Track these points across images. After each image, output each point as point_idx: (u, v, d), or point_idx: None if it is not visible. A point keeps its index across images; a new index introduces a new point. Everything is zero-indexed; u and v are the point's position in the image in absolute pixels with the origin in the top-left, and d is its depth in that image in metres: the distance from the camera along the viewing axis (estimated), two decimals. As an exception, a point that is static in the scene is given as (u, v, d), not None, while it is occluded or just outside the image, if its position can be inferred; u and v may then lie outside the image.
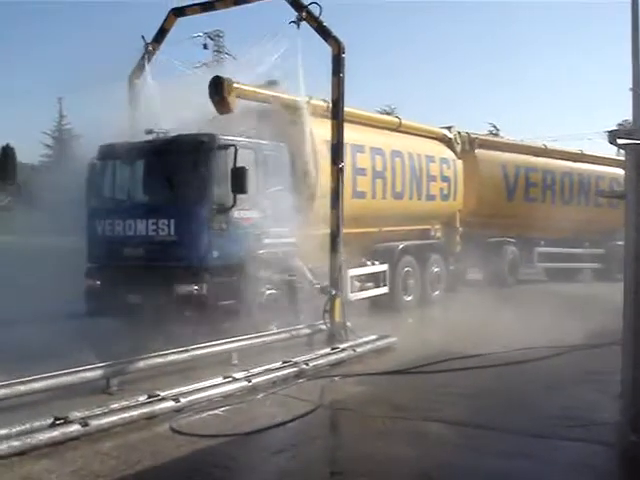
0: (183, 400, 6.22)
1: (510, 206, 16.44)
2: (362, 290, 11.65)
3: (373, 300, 11.93)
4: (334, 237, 9.71)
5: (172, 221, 9.06)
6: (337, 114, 9.91)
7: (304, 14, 9.82)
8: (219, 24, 36.50)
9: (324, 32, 9.84)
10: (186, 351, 7.73)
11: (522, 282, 17.20)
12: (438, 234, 14.27)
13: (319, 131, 10.76)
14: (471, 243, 14.96)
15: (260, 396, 6.76)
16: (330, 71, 9.85)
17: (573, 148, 19.97)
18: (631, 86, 5.23)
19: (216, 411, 6.29)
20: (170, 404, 6.12)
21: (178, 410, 6.13)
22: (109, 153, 9.88)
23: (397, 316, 11.85)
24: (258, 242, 9.57)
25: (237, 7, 11.03)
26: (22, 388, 6.23)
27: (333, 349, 8.56)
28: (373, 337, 9.22)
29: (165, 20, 11.51)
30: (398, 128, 13.55)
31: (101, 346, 8.09)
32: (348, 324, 9.51)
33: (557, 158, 18.33)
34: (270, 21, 13.18)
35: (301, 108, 10.57)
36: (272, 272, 9.79)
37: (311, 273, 10.29)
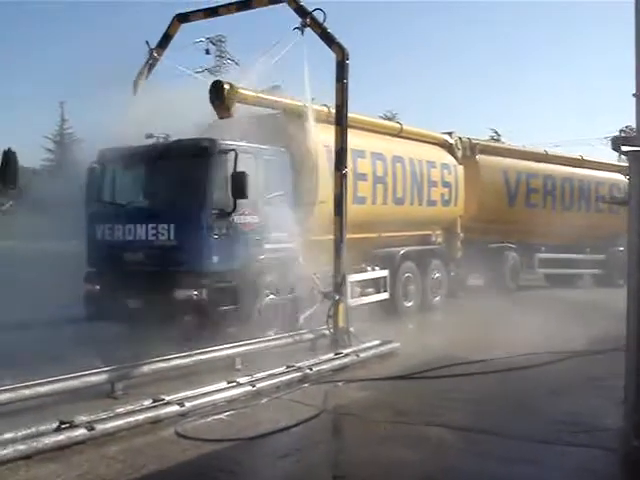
0: (188, 404, 6.25)
1: (511, 212, 16.43)
2: (362, 296, 11.63)
3: (374, 306, 11.89)
4: (338, 243, 9.70)
5: (172, 226, 9.05)
6: (341, 120, 9.92)
7: (308, 20, 9.84)
8: (222, 29, 36.57)
9: (328, 38, 9.86)
10: (190, 356, 7.74)
11: (523, 288, 17.17)
12: (439, 240, 14.24)
13: (320, 136, 10.76)
14: (472, 249, 14.93)
15: (264, 401, 6.77)
16: (332, 76, 9.86)
17: (574, 154, 20.01)
18: (634, 92, 5.24)
19: (221, 415, 6.31)
20: (175, 408, 6.15)
21: (183, 414, 6.16)
22: (109, 157, 9.88)
23: (398, 322, 11.82)
24: (258, 247, 9.56)
25: (240, 13, 11.05)
26: (27, 392, 6.25)
27: (337, 354, 8.58)
28: (376, 342, 9.23)
29: (169, 26, 11.53)
30: (399, 133, 13.55)
31: (101, 351, 8.10)
32: (351, 329, 9.50)
33: (558, 164, 18.33)
34: (273, 27, 13.15)
35: (302, 113, 10.58)
36: (272, 277, 9.77)
37: (312, 278, 10.26)
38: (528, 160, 17.46)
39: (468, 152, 15.40)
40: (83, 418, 5.57)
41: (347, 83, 9.84)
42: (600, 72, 69.57)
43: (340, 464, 5.56)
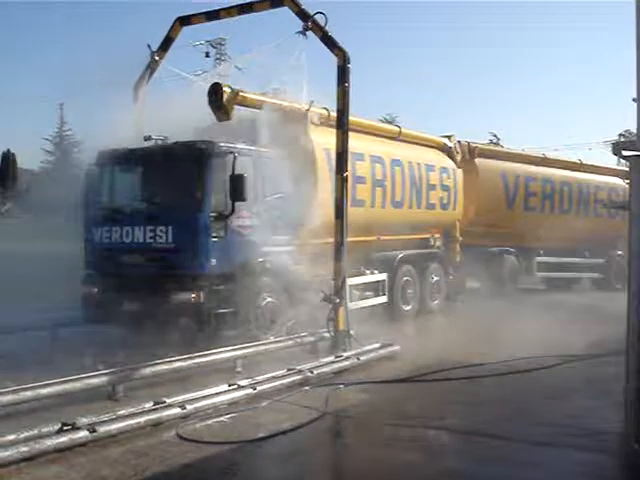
0: (189, 407, 6.27)
1: (510, 215, 16.42)
2: (361, 299, 11.61)
3: (372, 309, 11.88)
4: (338, 246, 9.70)
5: (170, 228, 9.03)
6: (342, 124, 9.92)
7: (310, 24, 9.85)
8: (223, 31, 36.61)
9: (330, 42, 9.86)
10: (191, 358, 7.77)
11: (521, 291, 17.15)
12: (438, 243, 14.23)
13: (319, 139, 10.76)
14: (471, 252, 14.92)
15: (265, 403, 6.77)
16: (331, 79, 9.85)
17: (572, 158, 20.03)
18: (634, 96, 5.24)
19: (222, 418, 6.33)
20: (176, 411, 6.16)
21: (184, 417, 6.17)
22: (107, 159, 9.87)
23: (397, 325, 11.80)
24: (256, 250, 9.54)
25: (242, 16, 11.05)
26: (29, 394, 6.27)
27: (337, 357, 8.60)
28: (376, 345, 9.26)
29: (171, 29, 11.52)
30: (398, 137, 13.54)
31: (98, 355, 8.10)
32: (352, 332, 9.51)
33: (556, 167, 18.34)
34: (273, 29, 13.14)
35: (301, 116, 10.57)
36: (270, 280, 9.75)
37: (311, 282, 10.25)
38: (527, 164, 17.46)
39: (467, 156, 15.40)
40: (85, 420, 5.59)
41: (348, 87, 9.85)
42: (599, 76, 69.86)
43: (342, 466, 5.61)
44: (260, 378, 7.28)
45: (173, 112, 9.93)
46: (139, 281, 9.06)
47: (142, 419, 5.88)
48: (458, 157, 14.92)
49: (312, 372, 7.74)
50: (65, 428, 5.40)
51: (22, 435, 5.21)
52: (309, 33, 9.89)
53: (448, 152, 14.73)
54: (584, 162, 19.55)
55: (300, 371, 7.66)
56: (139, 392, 7.08)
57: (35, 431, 5.30)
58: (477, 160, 15.75)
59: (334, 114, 10.76)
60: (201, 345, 8.36)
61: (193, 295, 8.88)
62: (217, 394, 6.72)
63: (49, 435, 5.31)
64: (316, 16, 9.86)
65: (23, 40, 63.40)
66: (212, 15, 11.24)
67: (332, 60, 9.83)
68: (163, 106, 10.22)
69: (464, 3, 56.52)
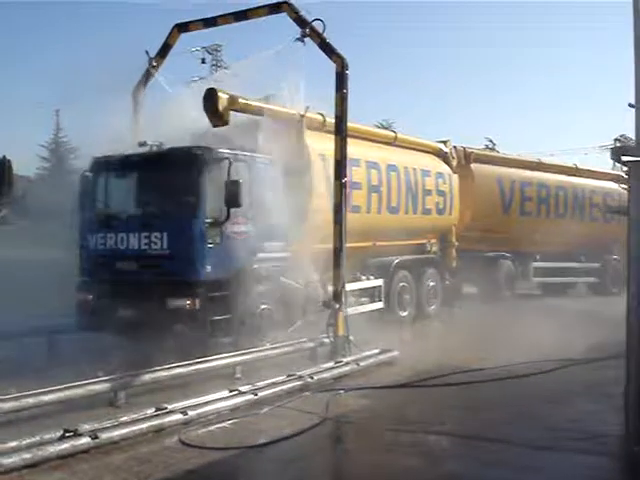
0: (191, 413, 6.28)
1: (506, 220, 16.44)
2: (357, 305, 11.57)
3: (369, 315, 11.84)
4: (337, 251, 9.68)
5: (165, 235, 8.99)
6: (341, 130, 9.93)
7: (308, 30, 9.85)
8: (220, 38, 36.67)
9: (328, 49, 9.88)
10: (191, 364, 7.77)
11: (518, 297, 17.14)
12: (434, 248, 14.22)
13: (314, 145, 10.75)
14: (467, 257, 14.91)
15: (266, 409, 6.79)
16: (329, 83, 9.88)
17: (568, 162, 20.07)
18: (632, 102, 5.26)
19: (224, 424, 6.34)
20: (179, 417, 6.17)
21: (186, 423, 6.17)
22: (101, 165, 9.83)
23: (394, 331, 11.76)
24: (252, 256, 9.50)
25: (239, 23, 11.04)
26: (30, 400, 6.28)
27: (337, 363, 8.63)
28: (376, 351, 9.28)
29: (168, 36, 11.52)
30: (394, 142, 13.55)
31: (93, 362, 8.08)
32: (351, 338, 9.49)
33: (552, 172, 18.38)
34: (269, 35, 13.14)
35: (297, 122, 10.55)
36: (265, 286, 9.71)
37: (307, 287, 10.22)
38: (522, 169, 17.50)
39: (463, 161, 15.43)
40: (87, 427, 5.59)
41: (347, 93, 9.85)
42: (598, 78, 70.12)
43: (344, 471, 5.65)
44: (261, 384, 7.30)
45: (170, 118, 9.90)
46: (134, 288, 9.00)
47: (144, 425, 5.89)
48: (454, 162, 14.94)
49: (312, 378, 7.76)
50: (67, 435, 5.40)
51: (24, 442, 5.22)
52: (307, 39, 9.89)
53: (444, 157, 14.75)
54: (580, 167, 19.61)
55: (300, 377, 7.68)
56: (140, 398, 7.08)
57: (37, 438, 5.31)
58: (473, 165, 15.78)
59: (329, 120, 10.77)
60: (197, 352, 8.32)
61: (188, 302, 8.83)
62: (218, 400, 6.73)
63: (51, 442, 5.31)
64: (314, 23, 9.87)
65: (18, 45, 63.30)
66: (210, 22, 11.23)
67: (330, 65, 9.86)
68: (160, 112, 10.19)
69: (464, 3, 56.66)
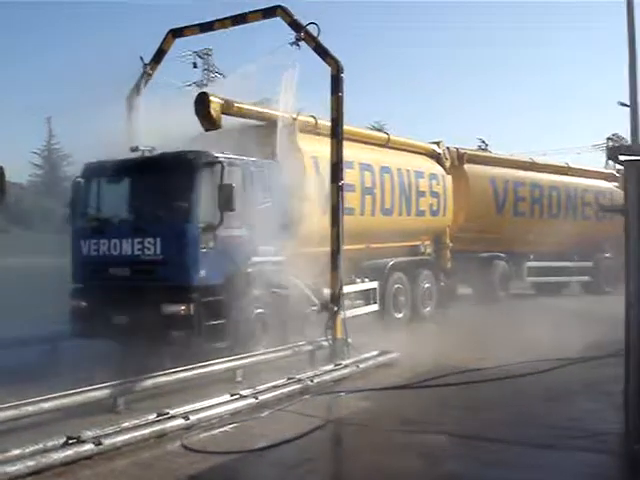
0: (193, 417, 6.26)
1: (499, 221, 16.47)
2: (352, 308, 11.52)
3: (364, 318, 11.82)
4: (334, 254, 9.64)
5: (158, 240, 8.92)
6: (337, 133, 9.91)
7: (303, 34, 9.83)
8: (212, 42, 36.68)
9: (322, 52, 9.86)
10: (191, 369, 7.75)
11: (512, 296, 17.16)
12: (428, 250, 14.21)
13: (307, 147, 10.72)
14: (461, 258, 14.93)
15: (267, 413, 6.78)
16: (323, 85, 9.90)
17: (560, 162, 20.14)
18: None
19: (226, 428, 6.34)
20: (180, 422, 6.16)
21: (187, 428, 6.16)
22: (94, 171, 9.77)
23: (390, 333, 11.73)
24: (246, 260, 9.45)
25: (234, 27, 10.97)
26: (30, 408, 6.24)
27: (336, 365, 8.63)
28: (375, 353, 9.27)
29: (163, 41, 11.45)
30: (387, 144, 13.55)
31: (89, 369, 8.03)
32: (349, 340, 9.46)
33: (544, 172, 18.44)
34: (262, 39, 13.12)
35: (289, 124, 10.52)
36: (260, 291, 9.66)
37: (302, 291, 10.18)
38: (516, 169, 17.54)
39: (456, 162, 15.45)
40: (89, 433, 5.59)
41: (342, 96, 9.84)
42: (593, 77, 70.37)
43: (348, 473, 5.67)
44: (261, 387, 7.30)
45: (165, 123, 9.85)
46: (128, 294, 8.93)
47: (146, 431, 5.88)
48: (447, 163, 14.95)
49: (312, 381, 7.76)
50: (70, 441, 5.39)
51: (28, 449, 5.21)
52: (302, 43, 9.87)
53: (437, 158, 14.76)
54: (572, 166, 19.68)
55: (300, 380, 7.68)
56: (140, 404, 7.07)
57: (41, 445, 5.29)
58: (466, 166, 15.80)
59: (322, 122, 10.75)
60: (192, 357, 8.27)
61: (182, 307, 8.77)
62: (220, 404, 6.72)
63: (55, 449, 5.30)
64: (309, 26, 9.85)
65: (18, 45, 62.97)
66: (205, 27, 11.17)
67: (325, 68, 9.84)
68: (155, 117, 10.13)
69: (464, 3, 56.81)
